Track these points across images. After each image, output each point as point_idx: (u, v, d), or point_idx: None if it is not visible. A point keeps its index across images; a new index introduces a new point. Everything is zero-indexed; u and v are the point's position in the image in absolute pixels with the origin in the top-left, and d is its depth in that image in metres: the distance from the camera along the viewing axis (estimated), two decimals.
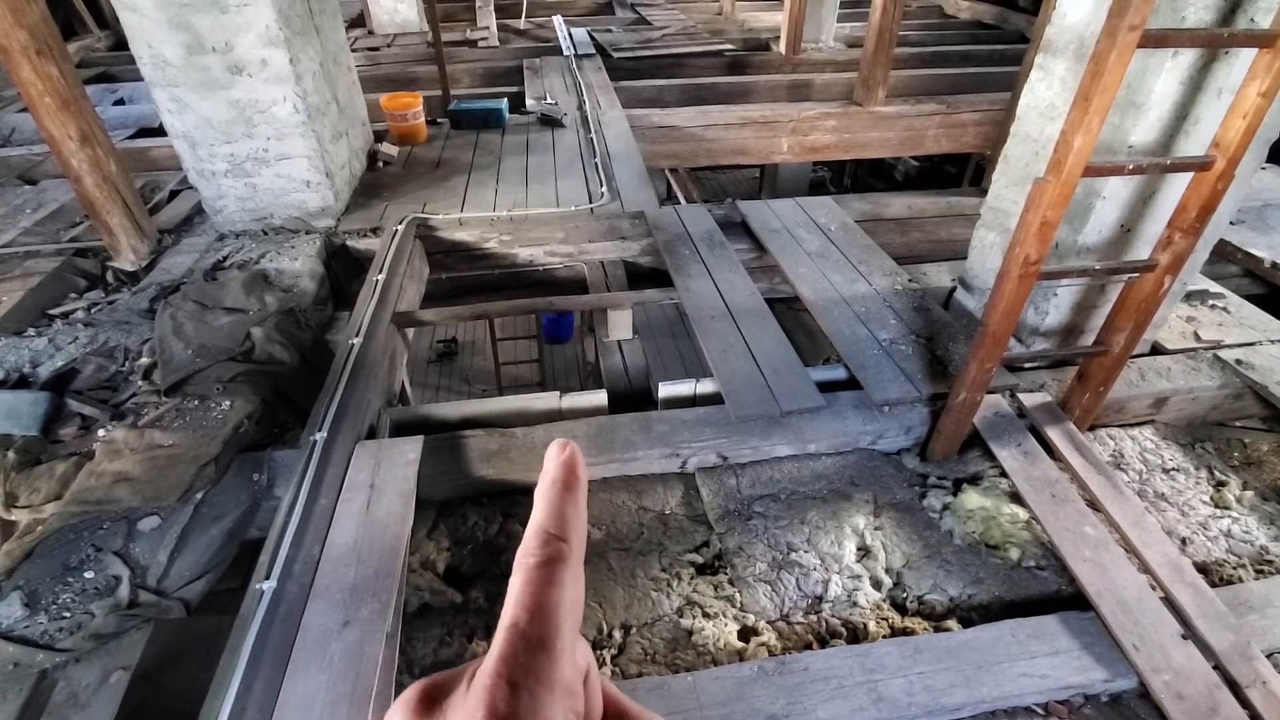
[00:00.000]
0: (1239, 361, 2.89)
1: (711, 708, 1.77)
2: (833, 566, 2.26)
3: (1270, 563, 2.30)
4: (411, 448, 2.40)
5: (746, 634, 2.07)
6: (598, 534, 2.38)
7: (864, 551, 2.33)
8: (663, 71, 7.23)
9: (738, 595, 2.18)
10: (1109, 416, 2.81)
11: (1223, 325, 3.16)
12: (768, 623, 2.10)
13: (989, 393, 2.60)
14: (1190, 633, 1.92)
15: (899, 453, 2.70)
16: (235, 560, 2.27)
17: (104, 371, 2.88)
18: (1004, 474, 2.50)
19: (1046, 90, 2.59)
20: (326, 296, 3.60)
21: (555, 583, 0.33)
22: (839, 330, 3.00)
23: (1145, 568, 2.12)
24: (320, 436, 2.37)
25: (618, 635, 2.06)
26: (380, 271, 3.34)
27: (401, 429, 2.71)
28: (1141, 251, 2.55)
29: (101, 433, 2.57)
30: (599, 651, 2.01)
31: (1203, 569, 2.25)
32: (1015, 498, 2.45)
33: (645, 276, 4.11)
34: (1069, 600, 2.12)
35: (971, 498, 2.47)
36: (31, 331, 3.17)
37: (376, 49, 7.89)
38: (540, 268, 4.11)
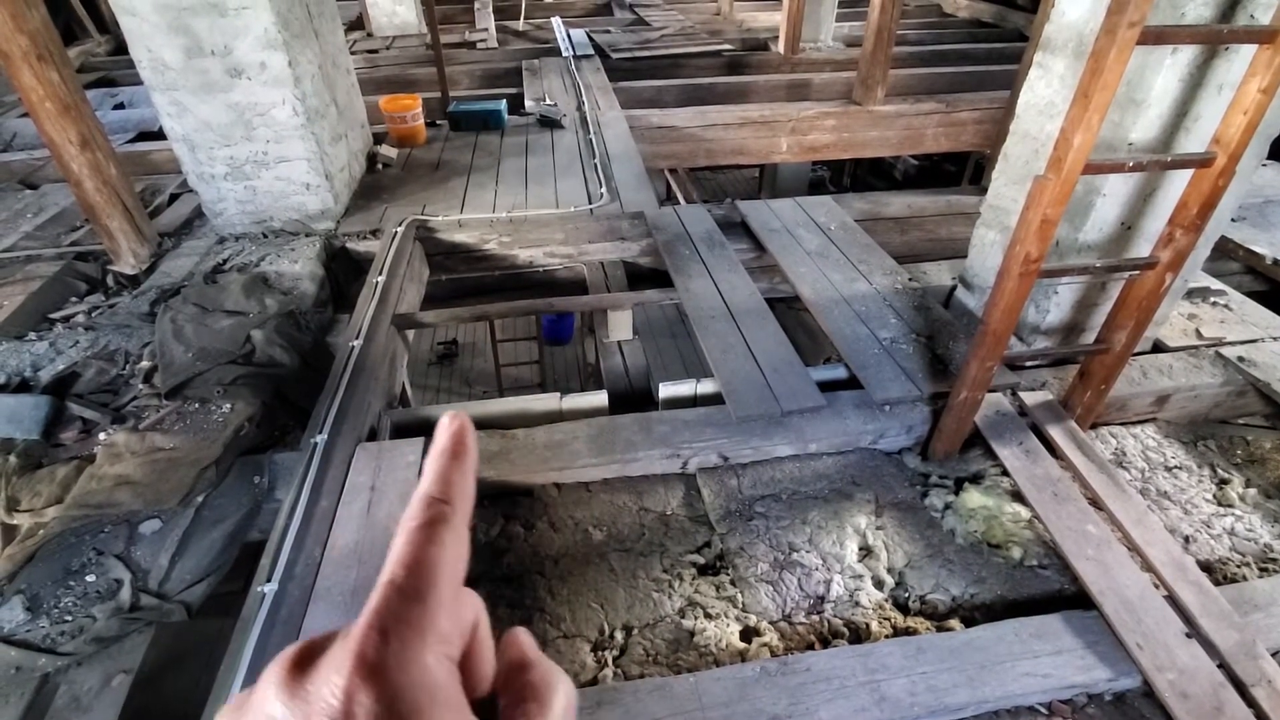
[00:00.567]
0: (1241, 359, 2.88)
1: (714, 708, 1.76)
2: (834, 566, 2.25)
3: (1274, 560, 2.29)
4: (412, 450, 2.40)
5: (748, 634, 2.07)
6: (599, 535, 2.38)
7: (866, 551, 2.32)
8: (661, 72, 7.23)
9: (739, 596, 2.17)
10: (1111, 414, 2.80)
11: (1224, 322, 3.15)
12: (770, 623, 2.09)
13: (990, 391, 2.59)
14: (1194, 631, 1.91)
15: (900, 452, 2.69)
16: (236, 563, 2.27)
17: (105, 375, 2.88)
18: (1006, 473, 2.49)
19: (1046, 88, 2.58)
20: (327, 299, 3.60)
21: (434, 541, 0.34)
22: (839, 329, 2.99)
23: (1148, 566, 2.11)
24: (321, 439, 2.37)
25: (619, 636, 2.06)
26: (380, 273, 3.34)
27: (402, 431, 2.71)
28: (1142, 249, 2.55)
29: (102, 436, 2.57)
30: (601, 653, 2.01)
31: (1206, 567, 2.24)
32: (1017, 496, 2.44)
33: (645, 277, 4.11)
34: (1072, 599, 2.11)
35: (973, 497, 2.46)
36: (32, 335, 3.18)
37: (375, 51, 7.90)
38: (540, 269, 4.11)
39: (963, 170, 8.72)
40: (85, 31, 8.37)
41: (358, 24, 8.90)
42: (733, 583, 2.21)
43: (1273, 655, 1.86)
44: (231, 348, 2.90)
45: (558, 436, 2.55)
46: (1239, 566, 2.26)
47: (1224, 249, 3.94)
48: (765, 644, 2.02)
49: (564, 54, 7.39)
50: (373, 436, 2.59)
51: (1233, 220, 4.01)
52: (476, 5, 9.81)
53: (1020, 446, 2.53)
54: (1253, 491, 2.53)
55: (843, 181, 11.66)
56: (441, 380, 8.85)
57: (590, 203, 4.13)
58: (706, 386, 2.79)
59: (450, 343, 9.35)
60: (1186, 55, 2.17)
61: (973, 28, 9.15)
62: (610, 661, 1.98)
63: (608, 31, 8.42)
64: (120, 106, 6.28)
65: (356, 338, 2.90)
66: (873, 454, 2.66)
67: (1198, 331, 3.09)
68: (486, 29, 8.67)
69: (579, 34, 8.18)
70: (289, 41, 3.47)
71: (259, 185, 3.80)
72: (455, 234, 3.92)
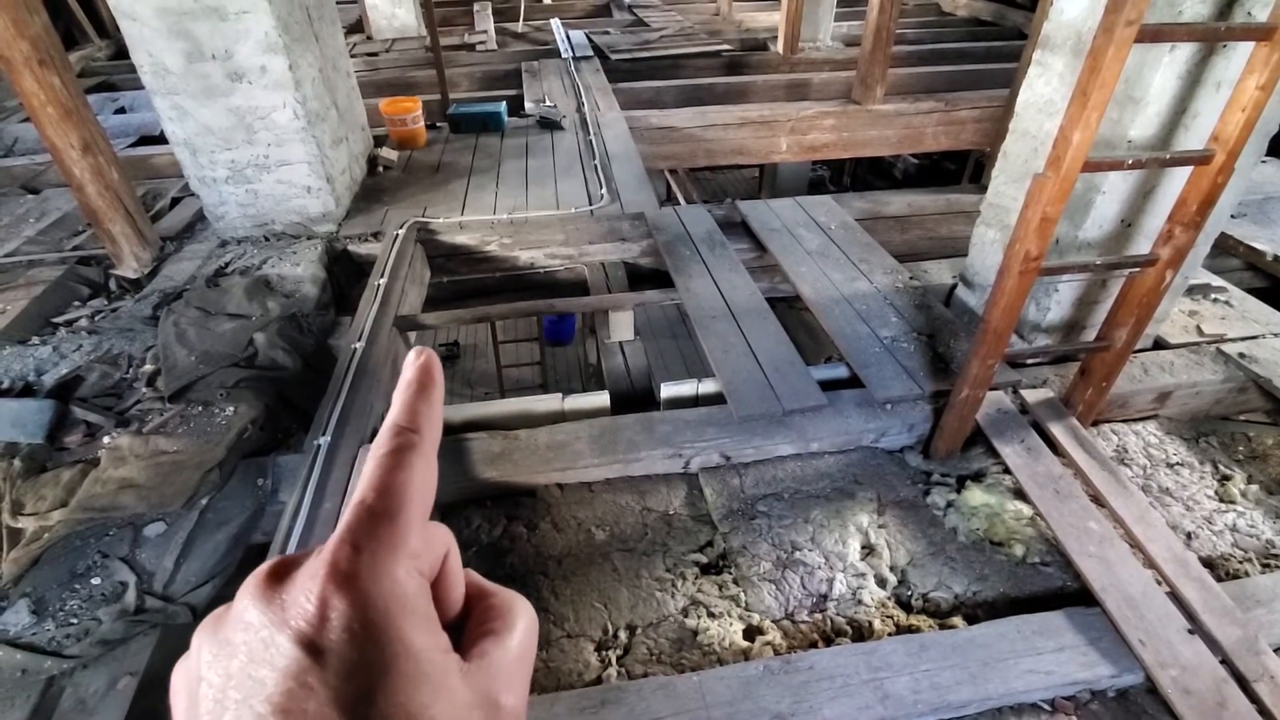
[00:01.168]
0: (1242, 355, 2.88)
1: (717, 707, 1.77)
2: (837, 565, 2.26)
3: (1276, 556, 2.29)
4: None
5: (752, 633, 2.07)
6: (602, 535, 2.38)
7: (868, 549, 2.33)
8: (661, 73, 7.24)
9: (742, 595, 2.18)
10: (1112, 412, 2.81)
11: (1225, 319, 3.16)
12: (773, 622, 2.10)
13: (991, 389, 2.60)
14: (1197, 627, 1.91)
15: (902, 450, 2.69)
16: (241, 565, 2.28)
17: (108, 379, 2.89)
18: (1007, 470, 2.50)
19: (1045, 86, 2.59)
20: (328, 301, 3.61)
21: (403, 466, 0.35)
22: (840, 329, 3.00)
23: (1150, 563, 2.11)
24: (324, 441, 2.38)
25: (623, 636, 2.06)
26: (381, 276, 3.35)
27: None
28: (1142, 246, 2.55)
29: (106, 439, 2.57)
30: (605, 652, 2.02)
31: (1208, 563, 2.24)
32: (1019, 494, 2.44)
33: (646, 277, 4.11)
34: (1074, 596, 2.11)
35: (975, 494, 2.47)
36: (36, 340, 3.19)
37: (375, 54, 7.90)
38: (541, 270, 4.12)
39: (962, 169, 8.72)
40: (86, 36, 8.39)
41: (357, 27, 8.91)
42: (735, 582, 2.22)
43: (1275, 651, 1.87)
44: (234, 351, 2.90)
45: (560, 437, 2.56)
46: (1241, 562, 2.27)
47: (1224, 245, 3.94)
48: (768, 642, 2.02)
49: (563, 55, 7.40)
50: (375, 438, 2.60)
51: (1232, 217, 4.01)
52: (476, 7, 9.83)
53: (1022, 444, 2.54)
54: (1254, 488, 2.53)
55: (843, 181, 11.67)
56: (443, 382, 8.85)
57: (591, 204, 4.14)
58: (708, 386, 2.80)
59: (452, 344, 9.36)
60: (1184, 53, 2.17)
61: (972, 26, 9.15)
62: (614, 661, 1.99)
63: (607, 33, 8.43)
64: (121, 111, 6.29)
65: (358, 340, 2.90)
66: (874, 452, 2.67)
67: (1198, 328, 3.09)
68: (486, 31, 8.69)
69: (578, 35, 8.19)
70: (289, 45, 3.48)
71: (260, 189, 3.81)
72: (456, 236, 3.93)
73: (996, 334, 2.25)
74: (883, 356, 2.83)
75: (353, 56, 6.71)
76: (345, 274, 3.88)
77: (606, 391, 2.84)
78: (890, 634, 2.05)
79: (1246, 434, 2.80)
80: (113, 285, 3.63)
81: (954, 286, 3.34)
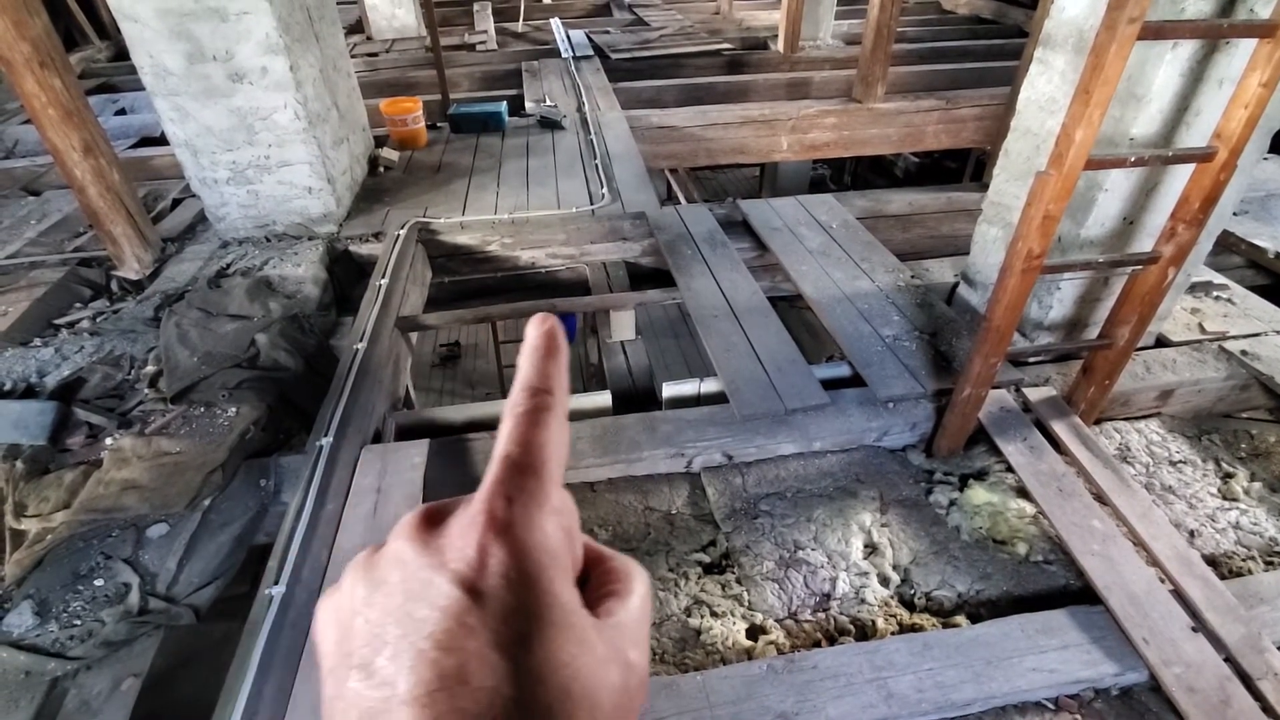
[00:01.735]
0: (1245, 352, 2.88)
1: (721, 706, 1.77)
2: (840, 564, 2.26)
3: None
4: (417, 451, 2.40)
5: (755, 632, 2.07)
6: (604, 535, 2.38)
7: (871, 549, 2.33)
8: (661, 72, 7.23)
9: (745, 594, 2.18)
10: (1115, 410, 2.80)
11: (1228, 316, 3.15)
12: (776, 621, 2.10)
13: (994, 388, 2.59)
14: (1200, 625, 1.91)
15: (904, 449, 2.69)
16: (243, 566, 2.28)
17: (110, 380, 2.89)
18: (1010, 469, 2.49)
19: (1046, 84, 2.58)
20: (330, 302, 3.61)
21: (542, 425, 0.36)
22: (842, 327, 2.99)
23: (1154, 561, 2.11)
24: (326, 441, 2.38)
25: None
26: (383, 276, 3.35)
27: (406, 433, 2.71)
28: (1145, 244, 2.54)
29: (109, 441, 2.57)
30: None
31: (1212, 561, 2.24)
32: (1022, 492, 2.44)
33: (647, 277, 4.11)
34: (1078, 594, 2.11)
35: (978, 493, 2.47)
36: (38, 342, 3.19)
37: (375, 55, 7.91)
38: (542, 270, 4.12)
39: (964, 167, 8.71)
40: (86, 38, 8.40)
41: (357, 27, 8.91)
42: (738, 581, 2.22)
43: (1279, 648, 1.86)
44: (236, 352, 2.91)
45: None
46: (1244, 560, 2.26)
47: (1226, 243, 3.93)
48: (772, 642, 2.02)
49: (563, 55, 7.39)
50: (377, 439, 2.60)
51: (1235, 214, 4.00)
52: (476, 7, 9.82)
53: (1024, 442, 2.54)
54: (1258, 485, 2.53)
55: (843, 179, 11.66)
56: (445, 382, 8.86)
57: (591, 203, 4.14)
58: (710, 385, 2.80)
59: (453, 344, 9.36)
60: (1187, 50, 2.17)
61: (972, 24, 9.14)
62: None
63: (607, 32, 8.43)
64: (122, 112, 6.30)
65: (360, 340, 2.90)
66: (877, 451, 2.66)
67: (1201, 326, 3.09)
68: (486, 31, 8.68)
69: (578, 35, 8.19)
70: (290, 46, 3.48)
71: (261, 189, 3.81)
72: (457, 236, 3.93)
73: (999, 332, 2.25)
74: (885, 355, 2.83)
75: (353, 57, 6.71)
76: (346, 275, 3.88)
77: (608, 391, 2.84)
78: (893, 633, 2.05)
79: (1249, 431, 2.80)
80: (114, 287, 3.63)
81: (956, 285, 3.34)
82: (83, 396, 2.81)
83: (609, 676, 0.33)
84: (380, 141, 4.95)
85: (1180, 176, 2.28)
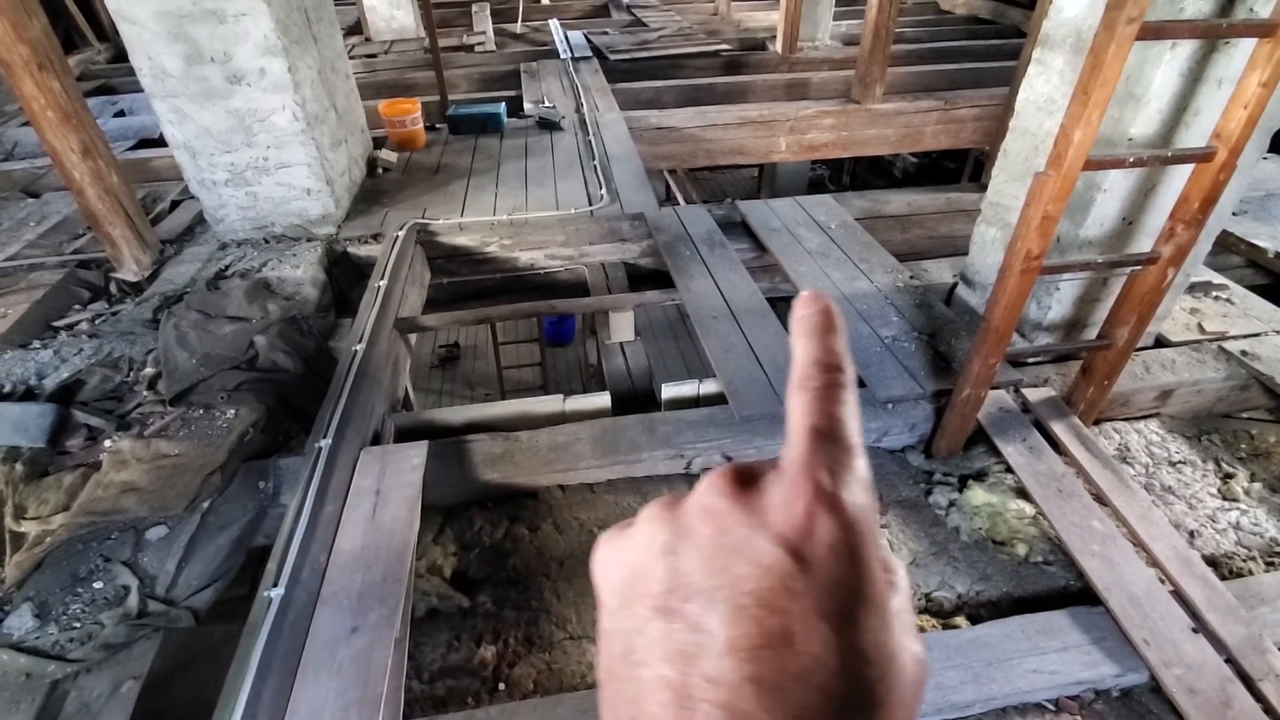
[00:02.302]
0: (1244, 353, 2.88)
1: None
2: None
3: None
4: (416, 453, 2.40)
5: None
6: None
7: None
8: (660, 73, 7.23)
9: None
10: (1114, 410, 2.80)
11: (1227, 316, 3.15)
12: None
13: (993, 388, 2.59)
14: (1201, 626, 1.91)
15: (904, 450, 2.69)
16: (242, 568, 2.28)
17: (109, 382, 2.89)
18: (1009, 469, 2.49)
19: (1045, 84, 2.58)
20: (329, 304, 3.61)
21: (841, 400, 0.35)
22: None
23: (1154, 561, 2.11)
24: (325, 443, 2.37)
25: None
26: (382, 278, 3.34)
27: (406, 434, 2.71)
28: (1144, 244, 2.54)
29: (108, 443, 2.57)
30: None
31: (1212, 562, 2.24)
32: (1021, 493, 2.44)
33: (646, 278, 4.11)
34: (1078, 595, 2.11)
35: (977, 494, 2.47)
36: (37, 344, 3.18)
37: (374, 56, 7.90)
38: (541, 271, 4.12)
39: (962, 167, 8.71)
40: (85, 40, 8.39)
41: (356, 29, 8.91)
42: None
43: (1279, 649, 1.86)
44: (235, 353, 2.90)
45: (561, 438, 2.55)
46: (1245, 561, 2.26)
47: (1225, 243, 3.93)
48: None
49: (562, 56, 7.39)
50: (376, 440, 2.60)
51: (1234, 214, 4.00)
52: (474, 8, 9.83)
53: (1024, 443, 2.54)
54: (1258, 485, 2.53)
55: (842, 180, 11.66)
56: (444, 383, 8.85)
57: (590, 204, 4.13)
58: (709, 387, 2.80)
59: (452, 346, 9.35)
60: (1186, 50, 2.17)
61: (970, 24, 9.14)
62: None
63: (605, 33, 8.43)
64: (121, 114, 6.29)
65: (359, 342, 2.90)
66: (876, 452, 2.66)
67: (1200, 326, 3.09)
68: (484, 32, 8.68)
69: (577, 36, 8.19)
70: (288, 47, 3.48)
71: (260, 191, 3.81)
72: (456, 237, 3.93)
73: (998, 333, 2.25)
74: (884, 356, 2.82)
75: (352, 58, 6.72)
76: (345, 276, 3.88)
77: (608, 392, 2.83)
78: None
79: (1249, 432, 2.80)
80: (113, 289, 3.63)
81: (954, 285, 3.34)
82: (82, 399, 2.81)
83: (909, 663, 0.33)
84: (379, 143, 4.94)
85: (1179, 177, 2.28)
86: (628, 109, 5.90)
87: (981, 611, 2.12)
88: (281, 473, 2.49)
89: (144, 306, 3.40)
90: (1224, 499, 2.49)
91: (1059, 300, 2.78)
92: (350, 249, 3.93)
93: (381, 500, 2.23)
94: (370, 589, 1.93)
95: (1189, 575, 2.03)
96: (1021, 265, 2.10)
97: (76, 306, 3.51)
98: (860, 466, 0.34)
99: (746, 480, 0.34)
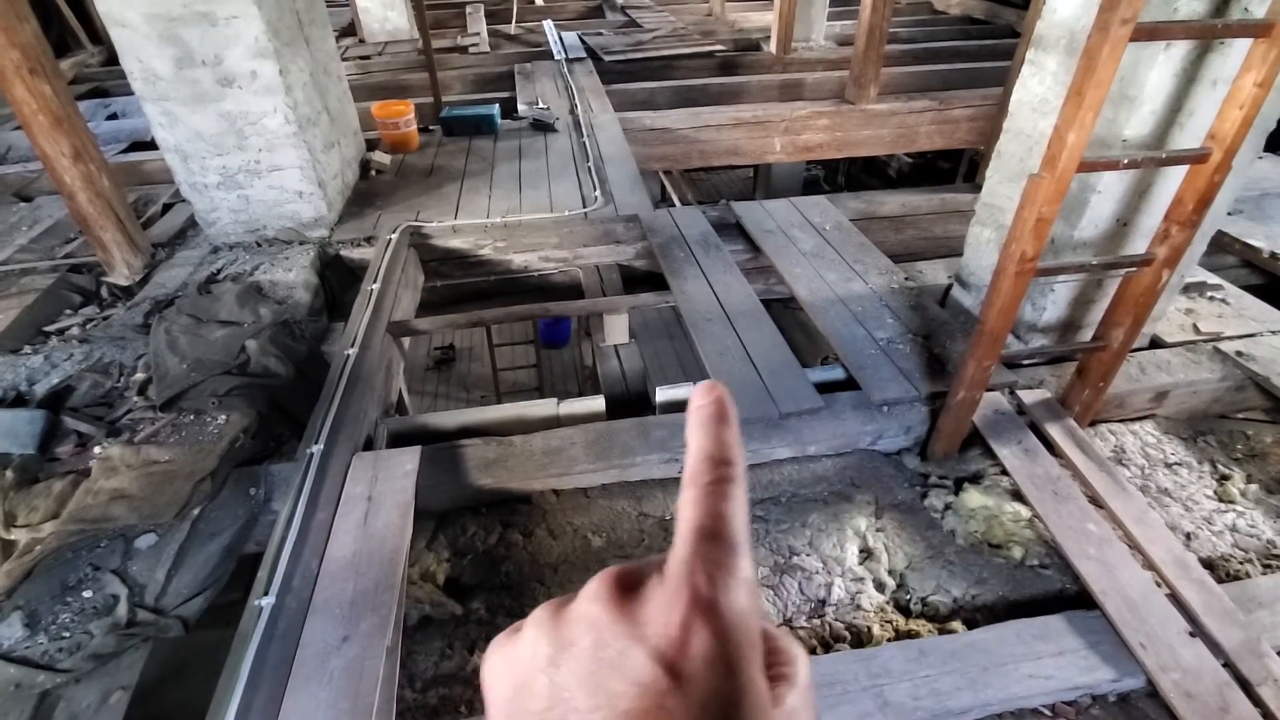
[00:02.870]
0: (1240, 353, 2.87)
1: None
2: (835, 569, 2.24)
3: (1278, 557, 2.28)
4: (409, 458, 2.38)
5: None
6: (598, 541, 2.37)
7: (866, 553, 2.31)
8: (654, 74, 7.22)
9: None
10: (1109, 411, 2.79)
11: (1222, 317, 3.15)
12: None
13: (988, 390, 2.58)
14: (1198, 630, 1.90)
15: (899, 453, 2.68)
16: (234, 575, 2.26)
17: (100, 388, 2.87)
18: (1005, 472, 2.48)
19: (1039, 85, 2.58)
20: (321, 307, 3.58)
21: (729, 497, 0.35)
22: (836, 330, 2.98)
23: (1150, 564, 2.10)
24: (317, 449, 2.36)
25: None
26: (375, 281, 3.33)
27: (399, 439, 2.69)
28: (1138, 245, 2.54)
29: (98, 450, 2.55)
30: None
31: (1208, 564, 2.23)
32: (1017, 496, 2.43)
33: (641, 280, 4.10)
34: (1074, 599, 2.10)
35: (973, 497, 2.46)
36: (27, 349, 3.16)
37: (367, 57, 7.88)
38: (535, 273, 4.10)
39: (956, 167, 8.71)
40: (78, 42, 8.35)
41: (349, 30, 8.88)
42: None
43: (1278, 653, 1.85)
44: (226, 358, 2.88)
45: (555, 442, 2.54)
46: (1241, 563, 2.26)
47: (1220, 243, 3.93)
48: None
49: (556, 57, 7.38)
50: (369, 446, 2.58)
51: (1229, 214, 4.00)
52: (468, 10, 9.81)
53: (1019, 445, 2.53)
54: (1254, 487, 2.52)
55: (837, 180, 11.65)
56: (439, 386, 8.83)
57: (585, 206, 4.12)
58: None
59: (447, 348, 9.32)
60: (1180, 50, 2.16)
61: (964, 25, 9.15)
62: None
63: (599, 34, 8.41)
64: (114, 117, 6.26)
65: (352, 346, 2.88)
66: (871, 455, 2.65)
67: (1195, 327, 3.08)
68: (478, 33, 8.66)
69: (571, 37, 8.17)
70: (280, 50, 3.45)
71: (252, 194, 3.78)
72: (450, 240, 3.91)
73: (993, 335, 2.24)
74: (879, 358, 2.81)
75: (344, 60, 6.70)
76: (338, 279, 3.86)
77: (602, 396, 2.82)
78: (889, 639, 2.03)
79: (1245, 432, 2.79)
80: (104, 293, 3.61)
81: (949, 287, 3.33)
82: (72, 405, 2.79)
83: None
84: (372, 145, 4.92)
85: (1174, 178, 2.28)
86: (622, 110, 5.89)
87: (977, 615, 2.11)
88: (273, 479, 2.47)
89: (135, 311, 3.37)
90: (1220, 501, 2.48)
91: (1054, 302, 2.77)
92: (343, 252, 3.91)
93: (374, 506, 2.21)
94: (362, 597, 1.92)
95: (1186, 578, 2.03)
96: (1016, 267, 2.09)
97: (68, 311, 3.49)
98: (744, 566, 0.33)
99: (630, 585, 0.34)
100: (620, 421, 2.62)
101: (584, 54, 7.46)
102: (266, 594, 1.92)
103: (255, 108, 3.54)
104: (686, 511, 0.35)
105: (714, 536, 0.33)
